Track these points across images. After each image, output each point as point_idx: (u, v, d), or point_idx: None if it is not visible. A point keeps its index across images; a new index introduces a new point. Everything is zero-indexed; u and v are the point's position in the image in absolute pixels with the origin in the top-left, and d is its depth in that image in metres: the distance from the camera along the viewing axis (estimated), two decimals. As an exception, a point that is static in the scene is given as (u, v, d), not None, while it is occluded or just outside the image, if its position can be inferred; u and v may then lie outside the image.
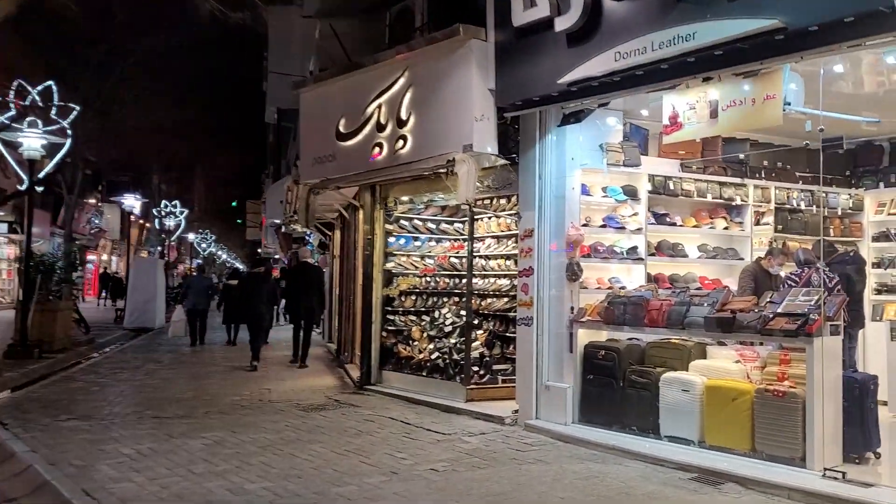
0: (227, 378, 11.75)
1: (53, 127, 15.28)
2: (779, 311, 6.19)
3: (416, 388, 9.81)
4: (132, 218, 48.20)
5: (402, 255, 10.78)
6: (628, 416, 7.17)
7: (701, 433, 6.53)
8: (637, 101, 7.73)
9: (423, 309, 10.78)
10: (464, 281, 10.62)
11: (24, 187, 15.95)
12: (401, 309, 10.71)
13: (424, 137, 8.43)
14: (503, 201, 9.87)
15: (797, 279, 7.43)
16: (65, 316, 15.88)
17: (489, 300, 10.16)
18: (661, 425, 6.84)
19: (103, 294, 39.18)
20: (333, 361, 14.31)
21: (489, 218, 10.29)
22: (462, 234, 10.76)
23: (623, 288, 8.11)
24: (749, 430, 6.15)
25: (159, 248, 41.52)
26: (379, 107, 8.92)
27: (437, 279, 10.87)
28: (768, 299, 6.46)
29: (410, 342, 10.32)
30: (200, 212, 53.92)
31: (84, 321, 19.23)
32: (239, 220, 47.27)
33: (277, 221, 24.22)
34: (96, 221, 41.35)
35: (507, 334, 9.54)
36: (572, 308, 7.89)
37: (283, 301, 16.69)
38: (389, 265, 10.67)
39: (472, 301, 10.11)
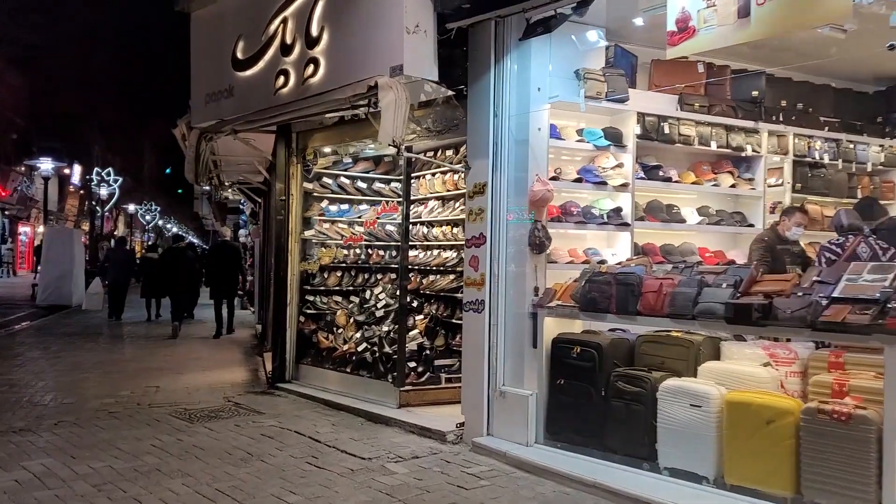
0: (114, 370, 9.55)
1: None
2: (835, 294, 4.25)
3: (339, 387, 7.77)
4: (70, 189, 45.21)
5: (326, 221, 8.65)
6: (613, 436, 5.22)
7: (718, 467, 4.61)
8: (627, 6, 5.71)
9: (350, 288, 8.69)
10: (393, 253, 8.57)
11: None
12: (323, 288, 8.61)
13: (341, 60, 6.29)
14: (449, 153, 7.82)
15: (839, 250, 5.53)
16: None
17: (432, 277, 8.13)
18: (660, 453, 4.90)
19: (39, 268, 36.29)
20: (255, 348, 12.16)
21: (432, 175, 8.22)
22: (401, 195, 8.65)
23: (603, 262, 6.14)
24: (791, 466, 4.24)
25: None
26: (284, 21, 6.73)
27: (369, 251, 8.78)
28: (815, 277, 4.51)
29: (335, 330, 8.24)
30: (144, 182, 50.80)
31: (-17, 299, 16.80)
32: (180, 191, 44.39)
33: (207, 188, 21.87)
34: (25, 189, 38.06)
35: (455, 321, 7.53)
36: (536, 289, 5.90)
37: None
38: (308, 233, 8.54)
39: (412, 278, 8.09)
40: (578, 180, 6.26)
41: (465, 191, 7.52)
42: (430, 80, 5.84)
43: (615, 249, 6.47)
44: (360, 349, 7.66)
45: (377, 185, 8.80)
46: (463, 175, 7.46)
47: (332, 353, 8.03)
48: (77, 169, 43.47)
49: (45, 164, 24.91)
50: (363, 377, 7.54)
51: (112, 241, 27.30)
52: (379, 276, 8.74)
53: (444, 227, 8.07)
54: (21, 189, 37.55)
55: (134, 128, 42.78)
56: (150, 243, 32.29)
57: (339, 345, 8.02)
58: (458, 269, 7.61)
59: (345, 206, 8.72)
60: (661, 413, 4.91)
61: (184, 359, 10.79)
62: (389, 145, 5.63)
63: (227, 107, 7.42)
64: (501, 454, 5.62)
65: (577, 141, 6.31)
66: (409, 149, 7.18)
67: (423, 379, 7.19)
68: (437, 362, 7.33)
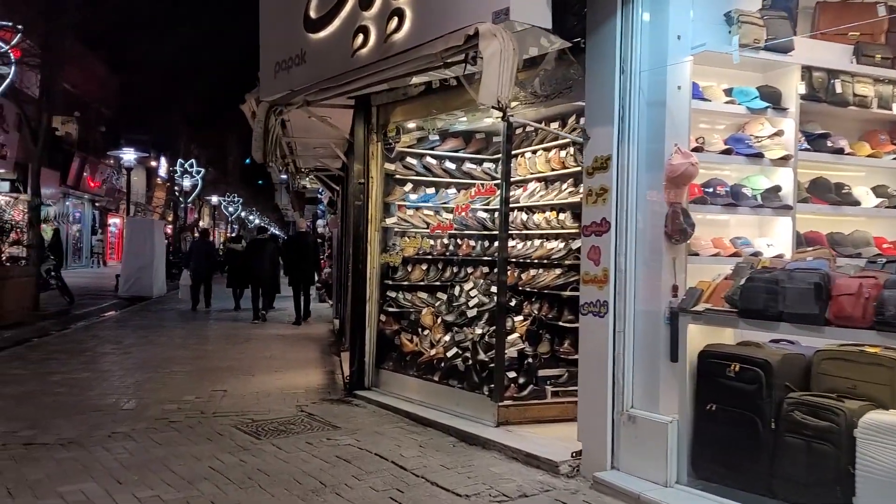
0: (181, 370, 8.81)
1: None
2: None
3: (425, 398, 6.73)
4: (158, 180, 46.07)
5: (409, 206, 7.61)
6: (786, 483, 3.97)
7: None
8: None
9: (436, 283, 7.64)
10: (496, 244, 7.45)
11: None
12: (406, 282, 7.58)
13: (431, 8, 5.20)
14: (554, 125, 6.65)
15: None
16: (19, 285, 13.11)
17: (533, 272, 6.98)
18: (863, 513, 3.64)
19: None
20: (333, 345, 11.31)
21: (533, 152, 7.06)
22: (494, 177, 7.54)
23: (757, 255, 4.88)
24: None
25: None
26: (362, -31, 5.71)
27: (459, 241, 7.70)
28: None
29: (420, 331, 7.21)
30: (228, 174, 51.36)
31: (67, 290, 16.66)
32: (261, 182, 44.50)
33: (284, 177, 21.30)
34: (114, 181, 38.78)
35: (561, 323, 6.38)
36: (675, 287, 4.70)
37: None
38: (390, 221, 7.52)
39: (509, 273, 6.97)
40: (727, 152, 4.99)
41: (574, 170, 6.39)
42: (543, 27, 4.68)
43: (771, 238, 5.18)
44: (449, 355, 6.60)
45: (467, 166, 7.70)
46: (574, 151, 6.30)
47: (417, 358, 7.00)
48: (164, 162, 44.23)
49: (129, 155, 24.88)
50: (453, 388, 6.48)
51: (196, 233, 27.31)
52: (469, 270, 7.66)
53: (547, 213, 6.91)
54: (110, 181, 38.31)
55: (218, 119, 43.06)
56: (232, 235, 32.22)
57: (424, 349, 6.98)
58: (566, 262, 6.45)
59: (431, 190, 7.66)
60: (862, 457, 3.64)
61: (256, 357, 10.01)
62: (493, 107, 4.52)
63: (299, 75, 6.46)
64: (633, 497, 4.45)
65: (726, 102, 5.03)
66: (508, 118, 6.07)
67: (524, 392, 6.07)
68: (542, 373, 6.20)
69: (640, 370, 4.81)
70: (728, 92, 5.07)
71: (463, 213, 7.22)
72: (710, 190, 4.96)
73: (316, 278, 15.66)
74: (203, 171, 37.29)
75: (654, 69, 4.79)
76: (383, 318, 7.47)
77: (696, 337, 4.49)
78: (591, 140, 5.00)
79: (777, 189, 5.11)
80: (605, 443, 4.82)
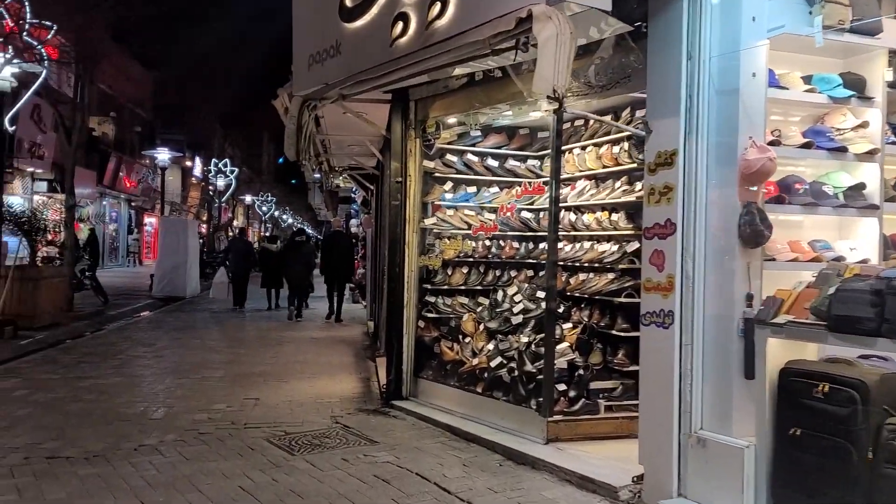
0: (213, 376, 8.52)
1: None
2: None
3: (467, 410, 6.33)
4: (192, 180, 46.35)
5: (449, 206, 7.21)
6: (887, 522, 3.50)
7: None
8: None
9: (478, 287, 7.23)
10: (541, 246, 7.04)
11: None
12: (446, 286, 7.18)
13: (477, -9, 4.80)
14: (607, 118, 6.20)
15: None
16: (54, 285, 12.97)
17: (582, 276, 6.54)
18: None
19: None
20: (367, 349, 10.97)
21: (582, 148, 6.61)
22: (539, 174, 7.11)
23: (840, 260, 4.39)
24: None
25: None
26: (403, -50, 5.32)
27: (501, 243, 7.29)
28: None
29: (461, 338, 6.81)
30: (261, 173, 51.52)
31: (101, 290, 16.61)
32: (294, 181, 44.47)
33: (317, 176, 21.06)
34: (150, 181, 39.02)
35: (614, 332, 5.92)
36: (750, 296, 4.23)
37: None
38: (429, 221, 7.13)
39: (557, 277, 6.53)
40: (807, 146, 4.50)
41: (628, 166, 5.93)
42: (601, 9, 4.24)
43: (853, 241, 4.68)
44: (493, 365, 6.19)
45: (511, 163, 7.28)
46: (629, 146, 5.85)
47: (458, 367, 6.60)
48: (198, 160, 44.45)
49: (163, 155, 24.87)
50: (498, 400, 6.06)
51: (233, 232, 27.30)
52: (513, 274, 7.24)
53: (598, 214, 6.46)
54: (146, 180, 38.57)
55: (252, 118, 43.17)
56: (267, 234, 32.17)
57: (466, 357, 6.58)
58: (620, 265, 6.00)
59: (472, 189, 7.25)
60: (982, 497, 3.15)
61: (289, 362, 9.70)
62: (548, 98, 4.08)
63: (333, 67, 6.09)
64: (705, 530, 4.00)
65: (806, 91, 4.54)
66: (559, 111, 5.63)
67: (575, 407, 5.64)
68: (594, 385, 5.75)
69: (709, 387, 4.35)
70: (807, 79, 4.58)
71: (508, 214, 6.79)
72: (788, 188, 4.48)
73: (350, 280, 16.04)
74: (237, 170, 37.30)
75: (725, 55, 4.33)
76: (422, 324, 7.08)
77: (775, 352, 4.02)
78: (653, 133, 4.55)
79: (861, 187, 4.61)
80: (670, 467, 4.37)
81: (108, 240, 36.53)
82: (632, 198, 5.91)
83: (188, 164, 43.52)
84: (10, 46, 11.42)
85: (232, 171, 36.42)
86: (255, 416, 6.68)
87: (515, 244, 7.23)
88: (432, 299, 7.10)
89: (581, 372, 5.79)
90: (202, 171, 43.96)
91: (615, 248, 6.15)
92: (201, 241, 29.17)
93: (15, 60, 11.18)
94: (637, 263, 5.78)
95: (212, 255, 30.62)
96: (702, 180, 4.37)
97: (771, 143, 4.33)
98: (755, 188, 4.23)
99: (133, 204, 39.25)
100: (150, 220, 40.29)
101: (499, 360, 6.17)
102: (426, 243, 7.14)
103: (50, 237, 13.79)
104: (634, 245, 5.87)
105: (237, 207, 49.20)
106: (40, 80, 13.01)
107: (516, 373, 5.95)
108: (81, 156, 31.27)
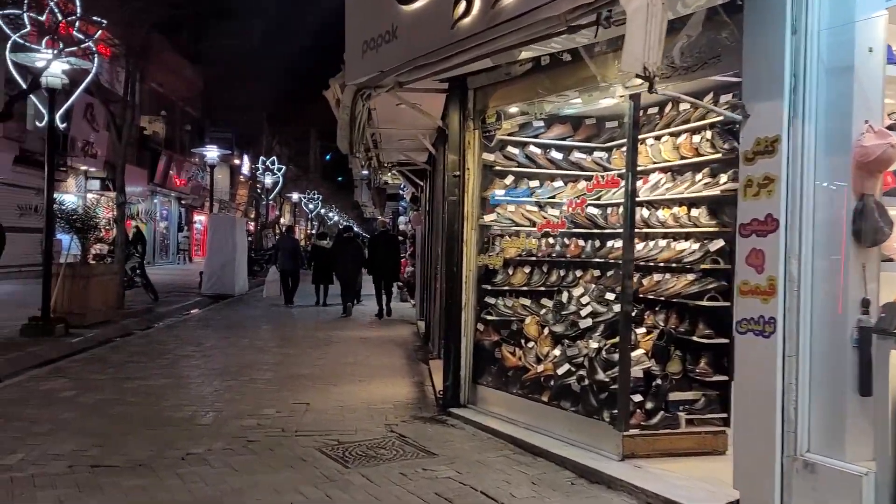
0: (261, 378, 8.24)
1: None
2: None
3: (532, 420, 5.89)
4: (241, 178, 46.74)
5: (510, 201, 6.76)
6: None
7: None
8: None
9: (541, 288, 6.77)
10: (609, 244, 6.57)
11: (43, 123, 13.05)
12: (507, 287, 6.74)
13: (551, -37, 4.34)
14: (683, 107, 5.70)
15: None
16: (105, 283, 12.91)
17: (658, 277, 6.03)
18: None
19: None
20: (419, 351, 10.60)
21: (656, 138, 6.11)
22: (607, 167, 6.62)
23: (968, 260, 3.83)
24: None
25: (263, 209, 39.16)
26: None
27: (566, 241, 6.82)
28: None
29: (523, 343, 6.37)
30: (308, 170, 51.69)
31: (151, 287, 16.61)
32: (340, 178, 44.46)
33: (365, 173, 20.79)
34: (200, 179, 39.40)
35: (695, 338, 5.40)
36: (866, 302, 3.71)
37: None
38: (489, 218, 6.70)
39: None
40: (930, 130, 3.95)
41: (710, 157, 5.42)
42: (695, -22, 3.77)
43: (982, 240, 4.10)
44: (560, 372, 5.74)
45: (576, 156, 6.80)
46: (712, 135, 5.34)
47: (521, 373, 6.16)
48: (246, 160, 44.76)
49: (212, 153, 24.92)
50: (566, 411, 5.61)
51: (280, 230, 27.37)
52: (578, 273, 6.77)
53: (674, 209, 5.94)
54: (195, 178, 38.95)
55: (299, 116, 43.28)
56: (317, 232, 32.16)
57: (530, 364, 6.13)
58: (703, 265, 5.48)
59: (534, 183, 6.80)
60: None
61: (339, 363, 9.38)
62: (637, 76, 3.62)
63: (389, 54, 5.71)
64: (817, 569, 3.50)
65: (930, 67, 3.99)
66: (636, 96, 5.16)
67: (653, 420, 5.15)
68: (673, 396, 5.26)
69: (818, 405, 3.84)
70: (930, 55, 4.03)
71: (577, 209, 6.32)
72: (908, 179, 3.94)
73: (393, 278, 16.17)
74: (284, 168, 37.36)
75: (837, 27, 3.82)
76: (481, 326, 6.66)
77: (900, 366, 3.51)
78: (751, 118, 4.05)
79: None
80: (771, 494, 3.88)
81: (159, 237, 37.02)
82: (715, 191, 5.39)
83: (236, 162, 43.89)
84: (60, 42, 11.34)
85: (279, 169, 36.48)
86: (306, 422, 6.35)
87: (581, 242, 6.75)
88: (492, 301, 6.67)
89: (659, 382, 5.30)
90: (250, 169, 44.26)
91: (696, 246, 5.63)
92: (249, 238, 29.20)
93: (65, 57, 11.09)
94: (722, 263, 5.30)
95: (259, 252, 30.69)
96: (808, 170, 3.87)
97: (890, 128, 3.80)
98: (874, 179, 3.71)
99: (183, 202, 39.69)
100: (200, 218, 40.71)
101: (567, 367, 5.72)
102: (485, 241, 6.71)
103: (101, 235, 13.75)
104: (719, 243, 5.35)
105: (284, 205, 49.46)
106: (90, 76, 12.92)
107: (587, 382, 5.49)
108: (133, 154, 31.76)
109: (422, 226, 14.22)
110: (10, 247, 20.93)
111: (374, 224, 39.00)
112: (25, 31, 12.00)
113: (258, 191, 37.16)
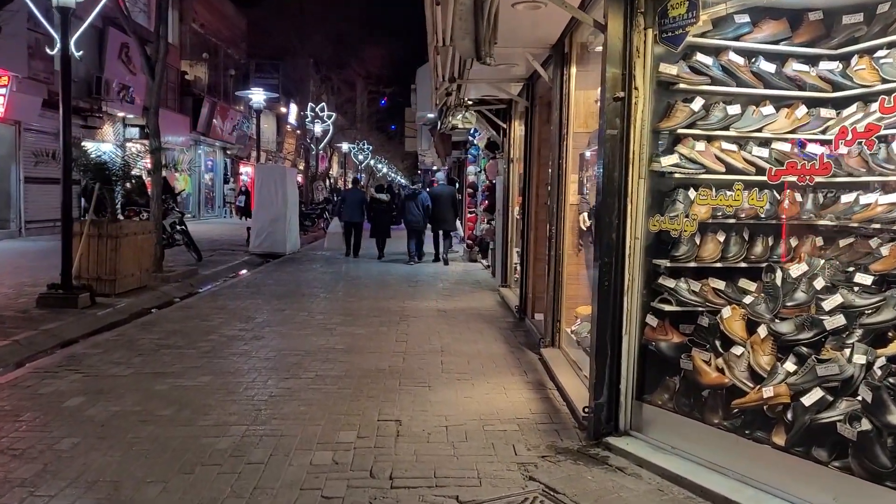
0: (330, 373, 6.32)
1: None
2: None
3: (754, 471, 3.80)
4: (287, 128, 44.93)
5: (700, 136, 4.57)
6: None
7: None
8: None
9: (742, 265, 4.60)
10: (846, 199, 4.36)
11: (55, 51, 11.14)
12: (693, 264, 4.59)
13: None
14: None
15: None
16: (138, 243, 11.11)
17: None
18: None
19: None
20: (516, 331, 8.57)
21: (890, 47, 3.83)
22: (841, 84, 4.35)
23: None
24: None
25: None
26: None
27: (777, 194, 4.61)
28: None
29: (717, 345, 4.26)
30: (356, 120, 49.61)
31: (194, 245, 14.91)
32: (393, 126, 42.22)
33: (431, 116, 18.62)
34: (245, 128, 37.60)
35: None
36: None
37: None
38: (667, 161, 4.52)
39: (888, 250, 3.93)
40: None
41: None
42: None
43: None
44: (808, 403, 3.62)
45: (794, 68, 4.55)
46: None
47: (723, 394, 4.07)
48: (293, 108, 42.81)
49: (258, 96, 22.88)
50: (826, 466, 3.51)
51: (331, 181, 25.66)
52: (793, 243, 4.59)
53: None
54: (240, 128, 37.14)
55: (347, 63, 41.03)
56: (377, 185, 30.34)
57: (741, 380, 4.03)
58: None
59: (733, 109, 4.57)
60: None
61: (423, 351, 7.39)
62: None
63: None
64: None
65: None
66: None
67: None
68: None
69: None
70: None
71: (863, 145, 4.02)
72: None
73: (458, 226, 17.14)
74: (334, 115, 35.28)
75: None
76: (653, 320, 4.56)
77: None
78: None
79: None
80: None
81: (205, 189, 35.54)
82: None
83: (283, 110, 42.02)
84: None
85: (329, 116, 34.40)
86: (403, 460, 4.38)
87: (799, 196, 4.55)
88: (670, 284, 4.54)
89: None
90: (297, 118, 42.33)
91: None
92: (299, 190, 27.41)
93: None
94: None
95: (310, 206, 28.89)
96: None
97: None
98: None
99: (228, 152, 38.04)
100: (246, 170, 39.04)
101: (819, 394, 3.61)
102: (659, 196, 4.56)
103: (129, 186, 11.91)
104: None
105: (333, 156, 47.58)
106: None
107: (867, 425, 3.38)
108: (174, 99, 30.07)
109: (503, 175, 12.07)
110: (45, 198, 19.49)
111: (427, 174, 36.80)
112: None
113: (308, 140, 35.21)
